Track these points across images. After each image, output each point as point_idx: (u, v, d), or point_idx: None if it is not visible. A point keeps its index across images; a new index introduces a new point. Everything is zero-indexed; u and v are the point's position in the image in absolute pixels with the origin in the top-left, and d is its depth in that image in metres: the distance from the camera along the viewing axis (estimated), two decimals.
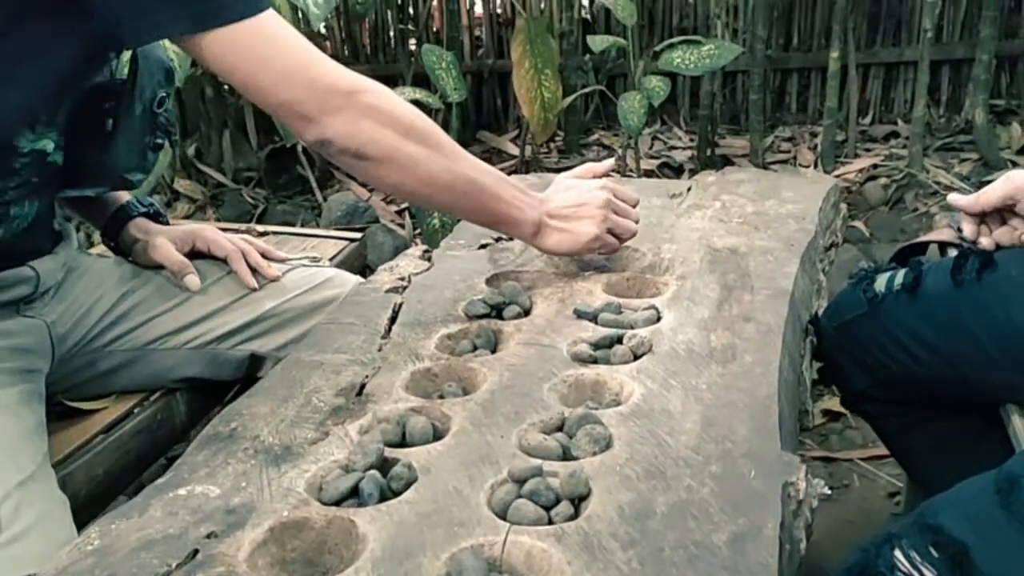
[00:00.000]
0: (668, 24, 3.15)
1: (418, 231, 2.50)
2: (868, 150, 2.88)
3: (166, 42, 0.89)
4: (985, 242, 0.94)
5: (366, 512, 0.62)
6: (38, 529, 0.78)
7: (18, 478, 0.80)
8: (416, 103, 2.42)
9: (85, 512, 0.89)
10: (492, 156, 3.07)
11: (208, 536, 0.60)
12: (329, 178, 2.97)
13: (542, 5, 3.00)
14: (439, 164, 0.88)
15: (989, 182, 0.98)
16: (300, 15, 2.24)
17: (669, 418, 0.72)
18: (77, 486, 0.91)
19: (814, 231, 1.19)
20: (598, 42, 2.43)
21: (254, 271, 1.10)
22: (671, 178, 2.78)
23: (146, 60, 0.94)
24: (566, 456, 0.68)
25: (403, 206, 2.75)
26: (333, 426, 0.74)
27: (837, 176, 2.67)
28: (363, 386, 0.80)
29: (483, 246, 1.16)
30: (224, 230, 1.20)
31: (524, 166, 2.89)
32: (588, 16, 3.13)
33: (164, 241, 1.07)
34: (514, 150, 3.01)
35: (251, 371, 1.08)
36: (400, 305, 0.97)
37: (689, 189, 1.36)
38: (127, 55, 0.95)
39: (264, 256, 1.13)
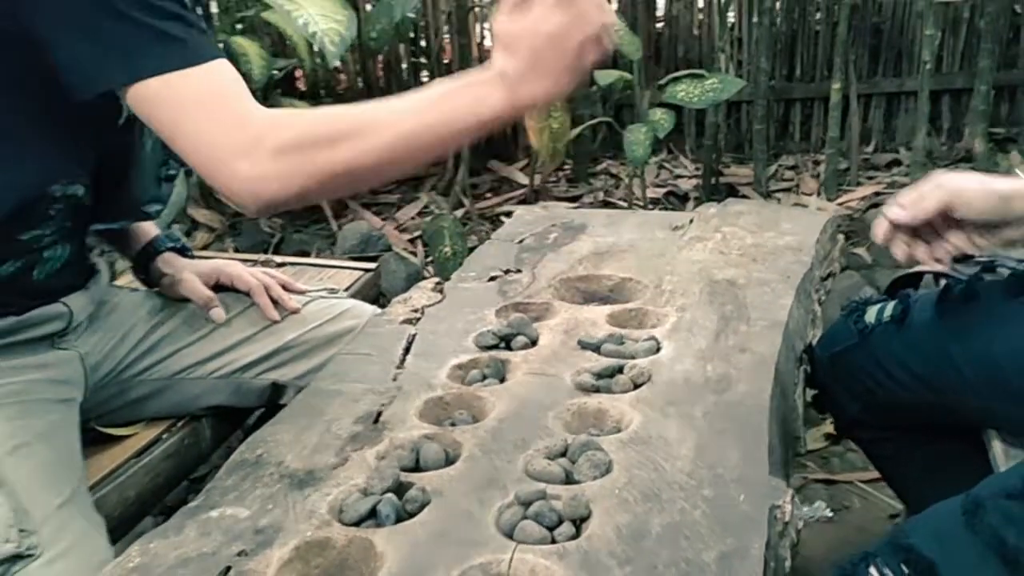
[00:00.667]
0: (675, 56, 3.23)
1: (430, 259, 2.56)
2: (871, 178, 2.93)
3: None
4: (921, 256, 0.91)
5: (384, 532, 0.67)
6: (77, 550, 0.83)
7: (57, 501, 0.86)
8: None
9: (118, 531, 0.95)
10: (502, 185, 3.14)
11: (239, 554, 0.65)
12: (343, 208, 3.04)
13: None
14: (382, 142, 0.79)
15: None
16: (316, 50, 2.32)
17: (665, 445, 0.77)
18: (111, 507, 0.97)
19: (810, 263, 1.24)
20: (604, 76, 2.50)
21: (276, 303, 1.15)
22: (676, 206, 2.84)
23: None
24: (569, 480, 0.73)
25: (416, 235, 2.82)
26: (352, 452, 0.79)
27: (840, 204, 2.72)
28: (379, 414, 0.85)
29: (492, 278, 1.21)
30: (244, 261, 1.26)
31: (534, 195, 2.96)
32: None
33: (191, 276, 1.13)
34: (524, 179, 3.08)
35: (273, 398, 1.13)
36: (414, 336, 1.03)
37: (691, 221, 1.41)
38: None
39: (285, 288, 1.18)
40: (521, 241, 1.37)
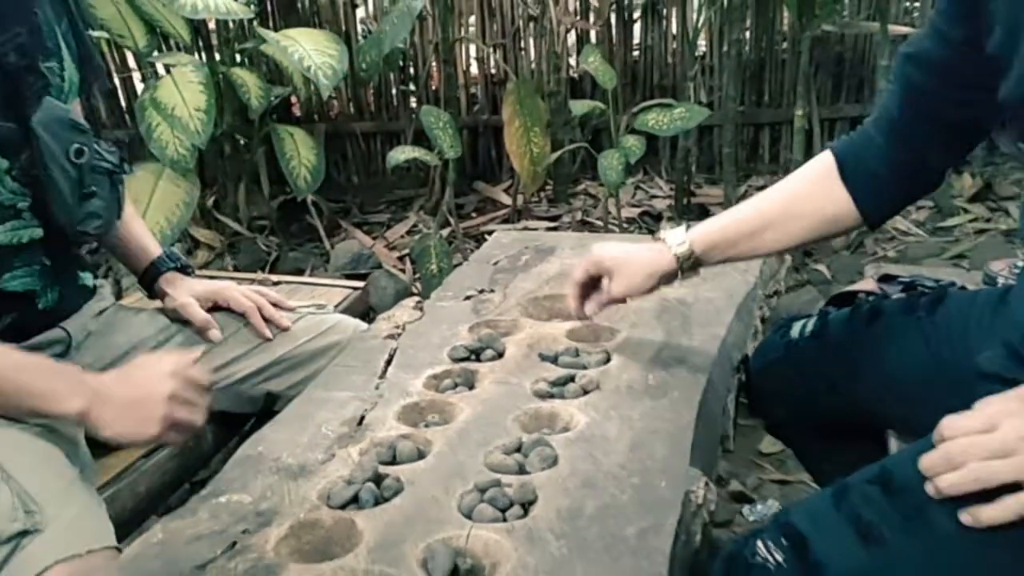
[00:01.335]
0: (650, 81, 3.39)
1: (418, 276, 2.69)
2: None
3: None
4: (589, 311, 1.10)
5: (364, 514, 0.80)
6: (79, 522, 0.88)
7: (59, 484, 0.90)
8: (415, 160, 2.62)
9: (133, 522, 1.08)
10: (487, 205, 3.29)
11: (243, 532, 0.79)
12: (336, 227, 3.18)
13: (532, 67, 3.24)
14: None
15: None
16: (311, 84, 2.46)
17: (605, 442, 0.91)
18: (124, 500, 1.10)
19: (754, 283, 1.38)
20: (580, 107, 2.65)
21: (268, 322, 1.28)
22: (651, 225, 2.99)
23: (44, 127, 1.00)
24: (521, 471, 0.87)
25: (404, 253, 2.96)
26: (338, 449, 0.92)
27: None
28: (363, 417, 0.99)
29: (467, 297, 1.35)
30: (242, 280, 1.39)
31: (517, 215, 3.10)
32: (575, 76, 3.37)
33: (191, 301, 1.25)
34: (507, 199, 3.23)
35: (267, 405, 1.26)
36: (395, 350, 1.16)
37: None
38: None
39: (276, 305, 1.31)
40: (496, 263, 1.51)
